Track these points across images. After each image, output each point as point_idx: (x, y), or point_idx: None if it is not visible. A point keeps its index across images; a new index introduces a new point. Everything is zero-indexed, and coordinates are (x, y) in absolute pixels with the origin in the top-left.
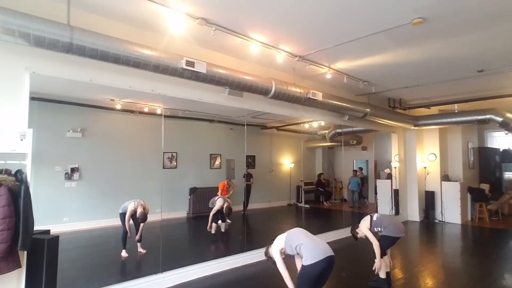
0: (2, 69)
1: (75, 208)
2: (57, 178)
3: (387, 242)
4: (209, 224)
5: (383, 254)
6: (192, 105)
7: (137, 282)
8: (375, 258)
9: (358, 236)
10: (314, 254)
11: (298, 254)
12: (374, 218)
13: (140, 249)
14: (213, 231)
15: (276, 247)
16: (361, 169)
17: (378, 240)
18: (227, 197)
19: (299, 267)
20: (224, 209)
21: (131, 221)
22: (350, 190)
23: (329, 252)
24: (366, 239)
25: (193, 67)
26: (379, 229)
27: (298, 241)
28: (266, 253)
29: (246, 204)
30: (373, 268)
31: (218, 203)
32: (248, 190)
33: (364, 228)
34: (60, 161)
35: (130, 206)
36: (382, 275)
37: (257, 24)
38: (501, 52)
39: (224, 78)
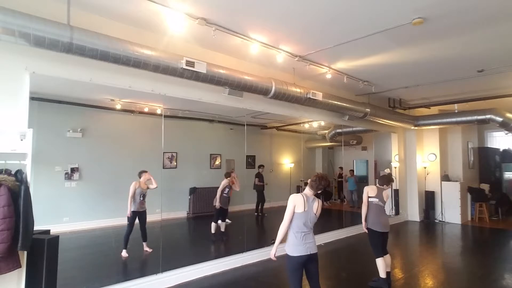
0: (2, 69)
1: (75, 208)
2: (57, 178)
3: (373, 236)
4: (218, 200)
5: (379, 252)
6: (192, 105)
7: (137, 282)
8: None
9: None
10: (296, 249)
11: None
12: (374, 201)
13: (146, 248)
14: (213, 231)
15: (293, 203)
16: (341, 169)
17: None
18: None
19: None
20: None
21: (136, 221)
22: (348, 190)
23: (311, 250)
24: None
25: (193, 67)
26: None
27: (294, 227)
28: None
29: (261, 206)
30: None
31: (224, 182)
32: (260, 192)
33: (365, 193)
34: (60, 161)
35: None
36: (382, 274)
37: (257, 24)
38: (501, 52)
39: (224, 78)
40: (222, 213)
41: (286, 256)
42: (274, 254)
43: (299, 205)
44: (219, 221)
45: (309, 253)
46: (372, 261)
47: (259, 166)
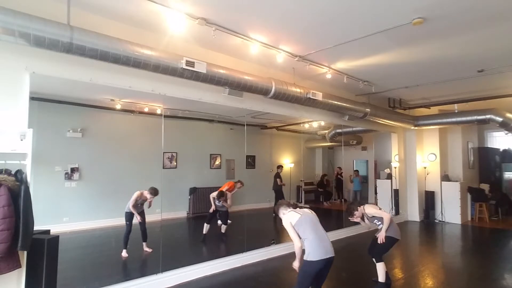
0: (2, 69)
1: (75, 208)
2: (57, 178)
3: (388, 244)
4: (212, 206)
5: (383, 256)
6: (192, 105)
7: (137, 282)
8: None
9: (355, 214)
10: (316, 253)
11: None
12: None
13: (146, 248)
14: (204, 231)
15: (288, 221)
16: (340, 168)
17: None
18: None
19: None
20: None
21: (135, 221)
22: (353, 191)
23: (330, 253)
24: (359, 223)
25: (193, 67)
26: (379, 223)
27: (304, 234)
28: (274, 212)
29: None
30: (379, 241)
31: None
32: (279, 192)
33: (371, 209)
34: (60, 161)
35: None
36: (383, 279)
37: (257, 24)
38: (501, 52)
39: (224, 78)
40: (222, 215)
41: (304, 262)
42: (298, 267)
43: (294, 217)
44: (219, 222)
45: (328, 256)
46: (372, 261)
47: (278, 167)
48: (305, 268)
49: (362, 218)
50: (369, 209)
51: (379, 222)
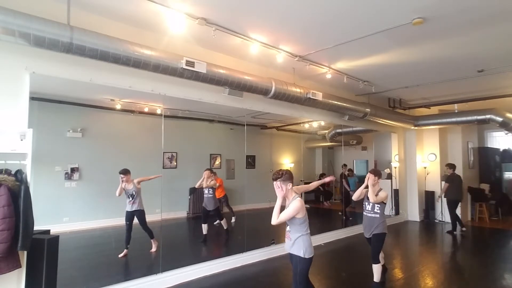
0: (2, 69)
1: (75, 208)
2: (57, 178)
3: (383, 240)
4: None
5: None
6: (192, 105)
7: (137, 282)
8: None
9: (377, 181)
10: (312, 248)
11: (295, 227)
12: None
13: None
14: (204, 232)
15: (301, 205)
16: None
17: (377, 239)
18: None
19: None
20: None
21: (135, 220)
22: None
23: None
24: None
25: (193, 67)
26: (370, 209)
27: (307, 226)
28: (277, 178)
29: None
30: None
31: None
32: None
33: (383, 196)
34: (60, 161)
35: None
36: (378, 279)
37: (257, 24)
38: (501, 52)
39: (224, 78)
40: (216, 214)
41: (305, 260)
42: None
43: (303, 209)
44: (218, 221)
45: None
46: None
47: (343, 165)
48: (307, 265)
49: (376, 192)
50: (382, 194)
51: (371, 209)
